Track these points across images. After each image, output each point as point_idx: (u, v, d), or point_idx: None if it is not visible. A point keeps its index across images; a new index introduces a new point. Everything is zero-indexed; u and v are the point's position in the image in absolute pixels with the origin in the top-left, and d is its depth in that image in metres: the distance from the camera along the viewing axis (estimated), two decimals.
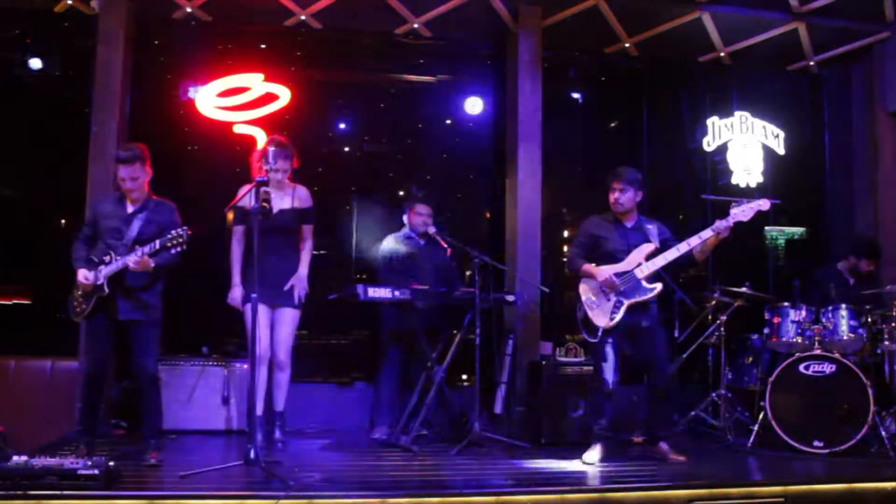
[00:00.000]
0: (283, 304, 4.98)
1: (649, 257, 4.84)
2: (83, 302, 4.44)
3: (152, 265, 4.30)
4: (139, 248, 4.27)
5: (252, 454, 4.05)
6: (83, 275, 4.38)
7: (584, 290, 4.95)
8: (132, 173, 4.46)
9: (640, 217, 5.04)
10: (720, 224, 4.74)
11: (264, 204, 4.32)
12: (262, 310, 4.78)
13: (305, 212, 5.08)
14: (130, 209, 4.53)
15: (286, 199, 5.00)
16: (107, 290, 4.34)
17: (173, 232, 4.21)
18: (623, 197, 4.94)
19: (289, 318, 5.01)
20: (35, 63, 6.27)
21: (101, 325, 4.47)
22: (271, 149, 4.97)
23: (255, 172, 4.96)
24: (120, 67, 5.85)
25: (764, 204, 4.80)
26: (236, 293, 5.05)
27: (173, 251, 4.22)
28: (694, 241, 4.79)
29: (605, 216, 5.08)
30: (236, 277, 5.08)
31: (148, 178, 4.57)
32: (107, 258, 4.37)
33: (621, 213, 5.00)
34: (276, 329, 4.96)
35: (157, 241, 4.24)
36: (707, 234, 4.78)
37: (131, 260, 4.26)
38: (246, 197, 4.68)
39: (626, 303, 4.80)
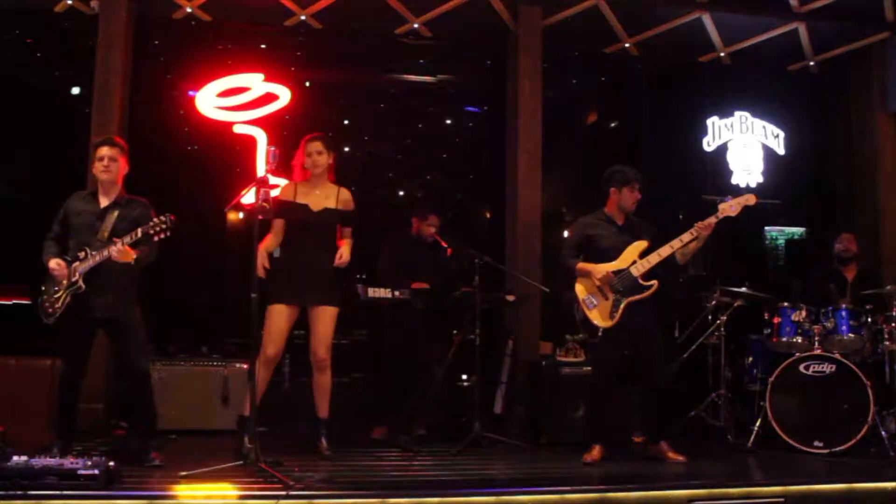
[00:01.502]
0: (323, 302, 4.75)
1: (643, 254, 4.85)
2: (56, 301, 4.25)
3: (134, 256, 4.17)
4: (118, 239, 4.14)
5: (252, 454, 4.04)
6: (55, 262, 4.22)
7: (581, 291, 4.93)
8: (113, 154, 4.35)
9: (629, 215, 5.05)
10: (707, 220, 4.77)
11: (264, 204, 4.29)
12: (285, 310, 4.69)
13: (348, 214, 4.93)
14: (103, 204, 4.37)
15: (330, 198, 4.89)
16: (82, 286, 4.18)
17: (157, 218, 4.09)
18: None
19: (329, 315, 4.77)
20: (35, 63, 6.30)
21: (77, 325, 4.26)
22: (315, 143, 4.85)
23: (297, 171, 4.88)
24: (120, 67, 5.84)
25: (750, 199, 4.86)
26: None
27: (156, 239, 4.10)
28: (686, 237, 4.80)
29: (595, 216, 5.08)
30: None
31: (124, 171, 4.44)
32: (81, 254, 4.22)
33: (619, 213, 5.00)
34: (315, 327, 4.75)
35: (140, 229, 4.10)
36: (696, 230, 4.80)
37: (114, 250, 4.11)
38: (289, 190, 4.73)
39: (625, 301, 4.80)
